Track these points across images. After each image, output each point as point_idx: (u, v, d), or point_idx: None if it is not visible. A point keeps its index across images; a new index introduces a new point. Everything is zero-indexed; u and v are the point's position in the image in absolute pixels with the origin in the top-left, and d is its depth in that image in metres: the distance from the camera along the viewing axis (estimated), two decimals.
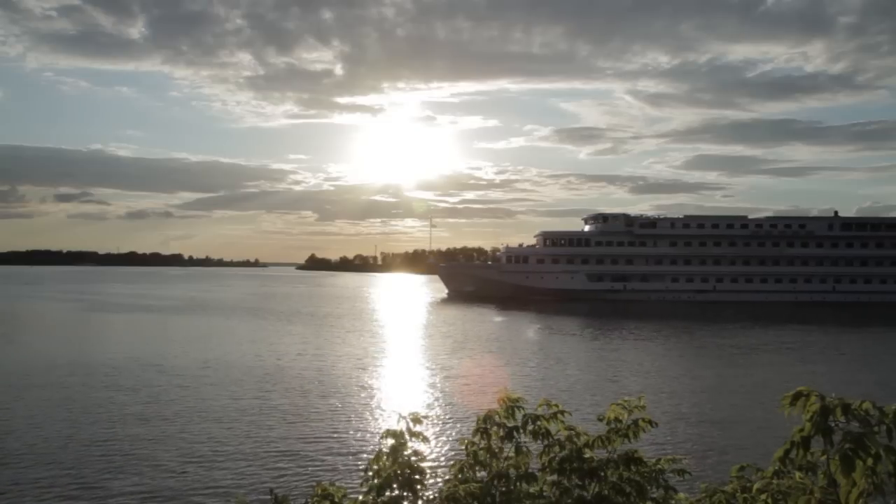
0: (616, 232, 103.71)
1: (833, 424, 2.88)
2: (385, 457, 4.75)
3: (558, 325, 63.26)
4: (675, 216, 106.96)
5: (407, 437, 4.83)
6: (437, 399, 27.76)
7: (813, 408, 2.87)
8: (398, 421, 4.91)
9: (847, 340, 50.83)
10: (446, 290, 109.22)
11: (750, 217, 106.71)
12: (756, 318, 69.70)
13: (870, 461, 2.65)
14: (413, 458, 4.76)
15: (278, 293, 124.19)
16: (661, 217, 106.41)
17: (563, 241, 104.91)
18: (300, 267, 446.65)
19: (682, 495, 4.85)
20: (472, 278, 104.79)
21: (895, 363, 40.24)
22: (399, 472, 4.66)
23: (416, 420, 4.91)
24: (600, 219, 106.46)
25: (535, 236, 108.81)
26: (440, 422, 22.96)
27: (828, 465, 2.84)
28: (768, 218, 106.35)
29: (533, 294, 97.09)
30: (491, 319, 69.44)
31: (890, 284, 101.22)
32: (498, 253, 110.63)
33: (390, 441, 4.80)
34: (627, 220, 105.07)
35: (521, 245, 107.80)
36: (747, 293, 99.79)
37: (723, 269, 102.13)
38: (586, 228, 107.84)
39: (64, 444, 20.00)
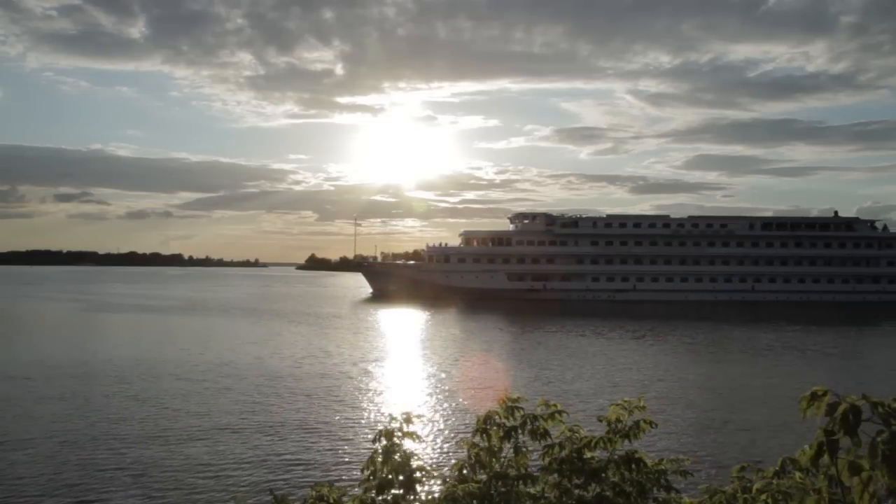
0: (536, 231, 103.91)
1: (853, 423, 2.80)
2: (380, 457, 4.72)
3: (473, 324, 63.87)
4: (598, 216, 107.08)
5: (400, 436, 4.81)
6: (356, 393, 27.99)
7: (842, 408, 2.75)
8: (391, 421, 4.89)
9: (767, 339, 51.62)
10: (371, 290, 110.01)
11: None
12: (676, 317, 70.72)
13: None
14: (408, 458, 4.73)
15: (278, 293, 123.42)
16: (583, 216, 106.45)
17: (484, 241, 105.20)
18: (300, 267, 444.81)
19: (686, 500, 4.81)
20: (395, 277, 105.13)
21: (824, 359, 41.44)
22: (394, 472, 4.63)
23: (409, 419, 4.90)
24: (522, 218, 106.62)
25: (459, 235, 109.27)
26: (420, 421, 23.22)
27: (836, 464, 2.76)
28: (690, 217, 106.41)
29: (453, 293, 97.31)
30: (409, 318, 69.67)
31: (808, 284, 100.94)
32: (422, 252, 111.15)
33: (384, 441, 4.78)
34: (548, 219, 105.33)
35: (443, 244, 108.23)
36: (667, 292, 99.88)
37: (643, 269, 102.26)
38: (511, 227, 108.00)
39: (64, 444, 19.85)
